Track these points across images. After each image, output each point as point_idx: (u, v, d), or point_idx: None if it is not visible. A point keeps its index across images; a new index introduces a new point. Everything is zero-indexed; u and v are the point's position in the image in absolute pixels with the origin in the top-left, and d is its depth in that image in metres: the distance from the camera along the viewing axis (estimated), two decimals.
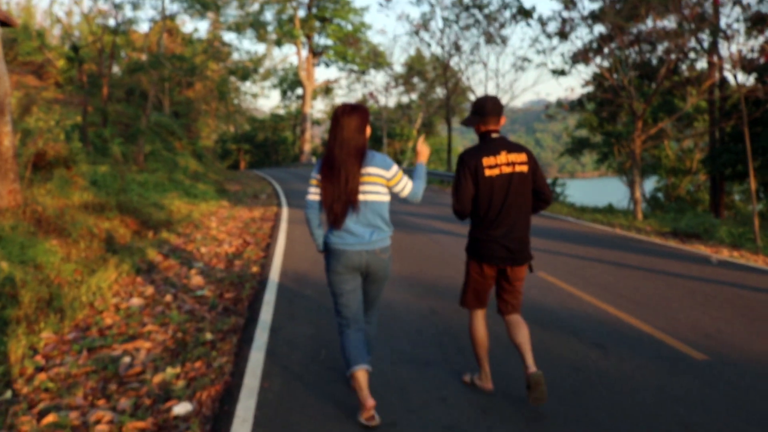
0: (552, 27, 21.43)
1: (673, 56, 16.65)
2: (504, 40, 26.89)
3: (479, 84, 49.94)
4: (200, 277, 8.06)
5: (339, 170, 3.61)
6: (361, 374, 3.61)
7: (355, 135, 3.64)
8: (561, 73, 21.25)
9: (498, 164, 3.79)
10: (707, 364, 4.64)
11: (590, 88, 22.83)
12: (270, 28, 51.54)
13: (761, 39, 16.12)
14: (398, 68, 58.81)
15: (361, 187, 3.66)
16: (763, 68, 17.90)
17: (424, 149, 4.04)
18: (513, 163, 3.80)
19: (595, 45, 18.92)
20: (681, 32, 15.53)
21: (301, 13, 52.34)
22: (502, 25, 26.49)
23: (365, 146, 3.70)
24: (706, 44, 18.12)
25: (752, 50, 15.90)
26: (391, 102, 54.38)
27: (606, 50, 18.22)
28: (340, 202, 3.61)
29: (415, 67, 44.61)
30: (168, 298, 6.99)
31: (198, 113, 41.89)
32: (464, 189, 3.86)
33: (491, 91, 32.38)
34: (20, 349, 4.96)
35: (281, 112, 63.97)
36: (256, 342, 5.13)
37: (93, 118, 21.43)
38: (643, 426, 3.63)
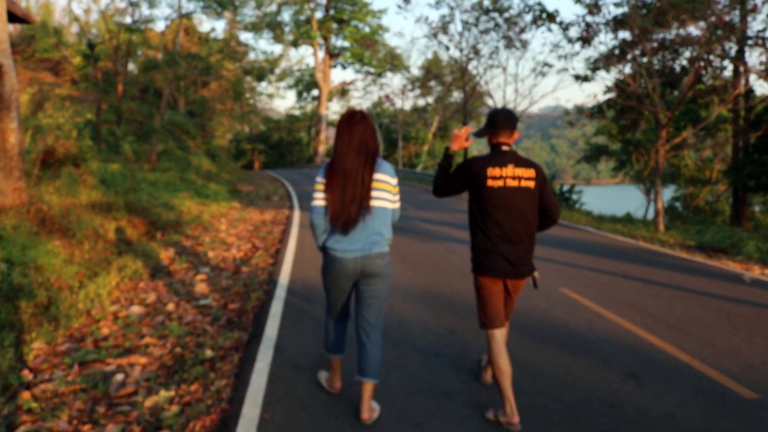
0: (574, 32, 20.90)
1: (699, 64, 16.10)
2: (524, 45, 26.41)
3: (498, 88, 49.18)
4: (205, 284, 7.70)
5: (353, 175, 3.62)
6: (337, 362, 4.12)
7: (369, 140, 3.69)
8: (584, 79, 20.74)
9: (503, 176, 3.75)
10: (758, 403, 4.17)
11: (612, 95, 22.35)
12: (287, 29, 51.34)
13: None
14: (415, 71, 58.43)
15: (372, 193, 3.67)
16: None
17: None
18: (519, 178, 3.77)
19: (617, 51, 18.43)
20: (710, 39, 14.99)
21: (319, 14, 52.14)
22: (522, 30, 26.02)
23: (378, 152, 3.75)
24: (732, 52, 17.59)
25: None
26: (407, 105, 54.10)
27: (630, 56, 17.70)
28: (354, 206, 3.61)
29: (432, 70, 44.23)
30: (170, 306, 6.62)
31: (213, 112, 41.73)
32: (452, 182, 3.95)
33: (510, 95, 31.95)
34: (6, 361, 4.60)
35: (296, 112, 63.83)
36: (258, 363, 4.72)
37: (107, 115, 21.24)
38: None
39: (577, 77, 21.10)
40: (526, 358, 4.93)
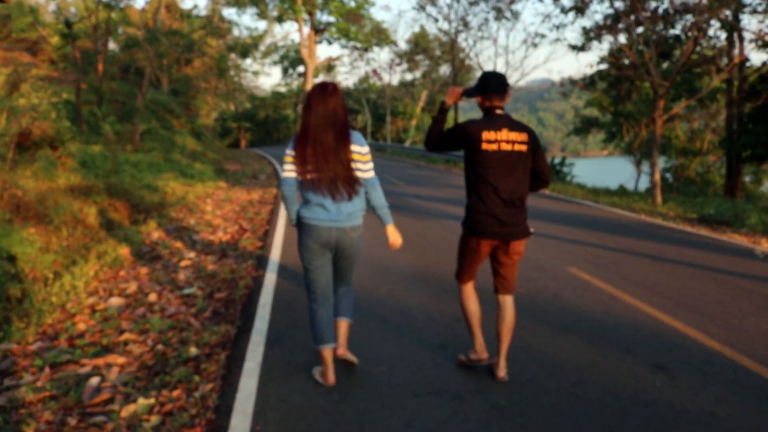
0: (567, 1, 20.33)
1: (696, 32, 15.59)
2: (516, 15, 25.73)
3: (488, 61, 48.49)
4: (190, 271, 7.22)
5: (325, 147, 3.64)
6: (327, 353, 3.87)
7: (341, 113, 3.71)
8: (581, 48, 20.20)
9: (498, 140, 3.79)
10: None
11: (605, 66, 21.86)
12: (271, 5, 50.24)
13: None
14: (403, 45, 57.62)
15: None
16: None
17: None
18: (513, 142, 3.81)
19: (609, 22, 17.90)
20: (712, 5, 14.48)
21: None
22: (513, 1, 25.38)
23: (348, 123, 3.78)
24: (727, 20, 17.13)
25: None
26: (395, 80, 53.38)
27: (625, 25, 17.16)
28: (336, 181, 3.66)
29: (419, 44, 43.50)
30: (152, 297, 6.15)
31: (197, 91, 40.82)
32: (445, 139, 4.00)
33: (501, 68, 31.32)
34: None
35: (282, 89, 62.89)
36: (248, 363, 4.24)
37: (88, 96, 20.56)
38: None
39: (573, 47, 20.57)
40: (542, 349, 4.49)
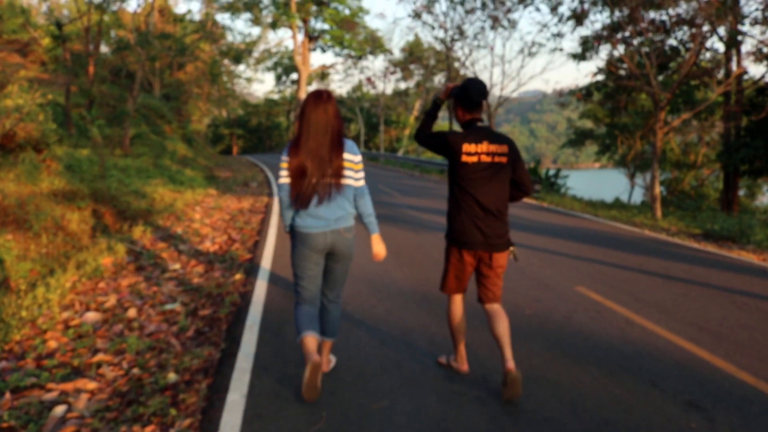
0: (565, 9, 20.12)
1: (694, 45, 15.28)
2: (512, 24, 25.37)
3: (484, 70, 48.09)
4: (173, 284, 6.77)
5: (320, 155, 3.68)
6: (309, 340, 3.72)
7: (336, 121, 3.73)
8: (582, 57, 19.87)
9: (478, 152, 3.83)
10: None
11: (601, 77, 21.57)
12: (265, 12, 49.87)
13: None
14: (397, 53, 57.44)
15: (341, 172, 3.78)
16: None
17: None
18: (493, 154, 3.86)
19: (606, 33, 17.62)
20: (718, 12, 14.18)
21: None
22: (510, 9, 25.04)
23: (343, 131, 3.81)
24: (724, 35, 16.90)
25: None
26: (389, 89, 53.08)
27: (625, 34, 16.85)
28: (323, 186, 3.70)
29: (414, 53, 43.20)
30: (131, 312, 5.70)
31: (189, 96, 40.36)
32: (430, 140, 4.04)
33: (497, 77, 31.03)
34: None
35: (275, 97, 62.54)
36: (232, 393, 3.77)
37: (78, 99, 20.11)
38: None
39: (574, 56, 20.26)
40: (559, 382, 4.06)
